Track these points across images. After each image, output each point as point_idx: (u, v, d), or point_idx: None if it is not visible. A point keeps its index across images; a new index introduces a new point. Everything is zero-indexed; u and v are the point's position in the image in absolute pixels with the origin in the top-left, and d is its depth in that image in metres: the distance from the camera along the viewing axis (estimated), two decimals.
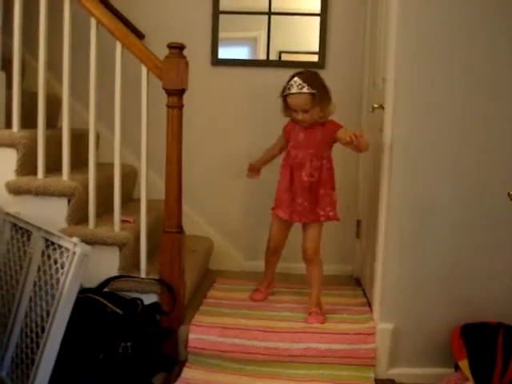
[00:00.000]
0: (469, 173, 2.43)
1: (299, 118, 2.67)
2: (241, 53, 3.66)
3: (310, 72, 2.68)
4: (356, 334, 2.53)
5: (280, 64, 3.47)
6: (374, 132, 2.91)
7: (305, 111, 2.63)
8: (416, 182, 2.45)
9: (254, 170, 2.92)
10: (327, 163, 2.72)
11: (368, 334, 2.53)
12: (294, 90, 2.61)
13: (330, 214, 2.72)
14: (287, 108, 2.71)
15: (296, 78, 2.62)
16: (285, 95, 2.66)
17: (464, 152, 2.42)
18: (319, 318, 2.69)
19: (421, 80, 2.40)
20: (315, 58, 3.45)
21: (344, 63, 3.41)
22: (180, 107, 2.43)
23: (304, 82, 2.59)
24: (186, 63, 2.43)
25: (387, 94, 2.50)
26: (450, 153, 2.42)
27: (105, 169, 2.80)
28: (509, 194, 1.40)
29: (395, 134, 2.44)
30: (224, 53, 3.52)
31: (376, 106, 2.74)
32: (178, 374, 2.43)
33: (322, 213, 2.71)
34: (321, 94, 2.62)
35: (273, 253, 2.94)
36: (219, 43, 3.50)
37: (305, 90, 2.59)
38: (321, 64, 3.42)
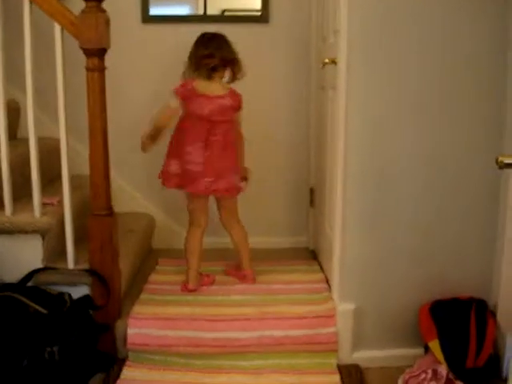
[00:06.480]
0: (433, 129, 2.19)
1: None
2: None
3: None
4: (314, 317, 2.32)
5: (219, 19, 3.15)
6: (326, 91, 2.69)
7: None
8: (375, 143, 2.20)
9: None
10: None
11: (328, 317, 2.32)
12: None
13: None
14: None
15: None
16: None
17: (427, 105, 2.18)
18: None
19: (376, 31, 2.13)
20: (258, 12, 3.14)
21: (289, 16, 3.11)
22: (101, 70, 2.11)
23: None
24: (107, 18, 2.09)
25: (340, 47, 2.23)
26: (412, 109, 2.18)
27: (24, 145, 2.45)
28: (497, 161, 1.15)
29: (350, 90, 2.19)
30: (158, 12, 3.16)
31: (327, 61, 2.49)
32: (118, 374, 2.19)
33: None
34: None
35: None
36: (151, 3, 3.13)
37: None
38: (264, 18, 3.12)
